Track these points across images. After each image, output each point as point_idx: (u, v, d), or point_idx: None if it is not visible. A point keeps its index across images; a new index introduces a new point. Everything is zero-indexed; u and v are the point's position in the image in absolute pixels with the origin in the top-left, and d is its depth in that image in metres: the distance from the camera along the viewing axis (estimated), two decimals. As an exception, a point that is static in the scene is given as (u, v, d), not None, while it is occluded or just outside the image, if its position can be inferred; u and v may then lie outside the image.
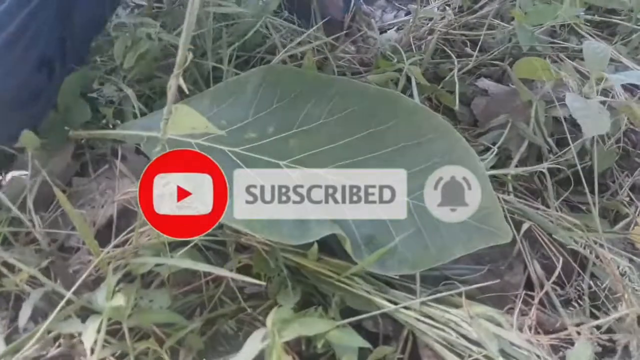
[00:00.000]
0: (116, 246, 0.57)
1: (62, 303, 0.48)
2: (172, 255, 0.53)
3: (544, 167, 0.58)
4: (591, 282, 0.54)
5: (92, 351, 0.46)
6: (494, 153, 0.62)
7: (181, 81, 0.38)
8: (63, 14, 0.62)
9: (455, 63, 0.78)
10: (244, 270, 0.55)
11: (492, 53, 0.83)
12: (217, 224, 0.53)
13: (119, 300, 0.44)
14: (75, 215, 0.49)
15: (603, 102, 0.62)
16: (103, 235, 0.61)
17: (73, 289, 0.49)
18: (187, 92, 0.40)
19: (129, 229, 0.56)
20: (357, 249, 0.53)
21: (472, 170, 0.55)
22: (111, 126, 0.66)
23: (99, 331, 0.46)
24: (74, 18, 0.64)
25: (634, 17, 0.86)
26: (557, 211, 0.59)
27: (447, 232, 0.54)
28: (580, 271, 0.56)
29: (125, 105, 0.68)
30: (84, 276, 0.49)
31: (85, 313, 0.50)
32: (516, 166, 0.67)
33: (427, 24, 0.89)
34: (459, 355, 0.48)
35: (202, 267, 0.48)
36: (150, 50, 0.69)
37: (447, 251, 0.54)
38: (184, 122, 0.41)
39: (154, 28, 0.69)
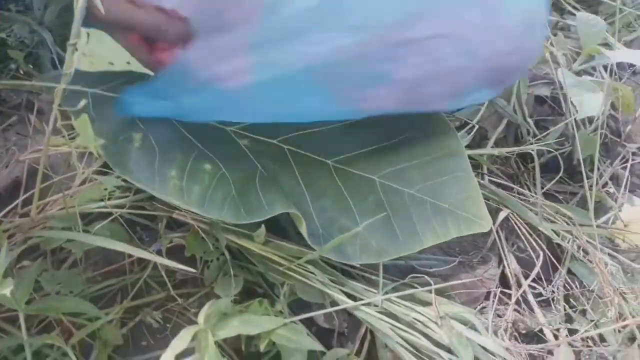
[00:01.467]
0: (23, 215, 0.47)
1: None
2: (88, 230, 0.43)
3: (532, 148, 0.51)
4: (576, 284, 0.49)
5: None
6: (472, 130, 0.55)
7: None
8: None
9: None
10: (176, 251, 0.47)
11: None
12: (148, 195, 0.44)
13: (6, 287, 0.34)
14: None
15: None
16: (8, 200, 0.51)
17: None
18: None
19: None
20: (314, 233, 0.45)
21: (451, 148, 0.49)
22: (22, 72, 0.55)
23: (-17, 323, 0.36)
24: None
25: (619, -4, 0.80)
26: (537, 200, 0.53)
27: (418, 217, 0.47)
28: (561, 268, 0.50)
29: (41, 50, 0.56)
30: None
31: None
32: (493, 147, 0.60)
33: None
34: (424, 360, 0.41)
35: (120, 246, 0.39)
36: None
37: (417, 239, 0.46)
38: (98, 52, 0.31)
39: None
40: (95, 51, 0.32)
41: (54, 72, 0.57)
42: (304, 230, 0.43)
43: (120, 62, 0.32)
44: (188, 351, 0.37)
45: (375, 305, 0.44)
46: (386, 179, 0.48)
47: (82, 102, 0.35)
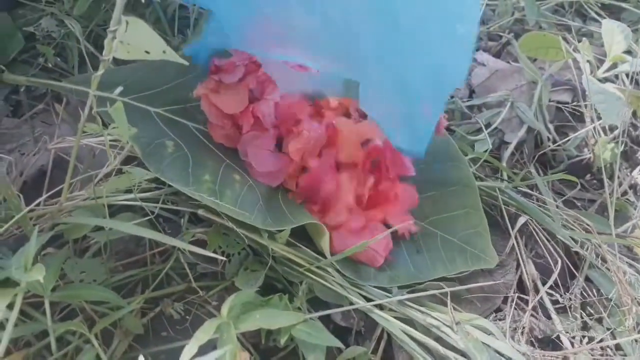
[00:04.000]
0: (48, 203, 0.48)
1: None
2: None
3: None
4: (594, 292, 0.49)
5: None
6: (492, 134, 0.55)
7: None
8: None
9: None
10: (197, 246, 0.47)
11: (492, 26, 0.75)
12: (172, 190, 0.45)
13: (39, 273, 0.35)
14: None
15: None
16: (32, 188, 0.51)
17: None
18: None
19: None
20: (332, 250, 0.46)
21: (463, 182, 0.50)
22: (51, 65, 0.55)
23: (11, 307, 0.37)
24: None
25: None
26: (557, 207, 0.53)
27: (428, 248, 0.49)
28: (579, 276, 0.50)
29: (69, 42, 0.57)
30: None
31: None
32: (512, 152, 0.60)
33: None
34: (440, 364, 0.42)
35: (149, 233, 0.39)
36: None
37: (428, 269, 0.48)
38: (135, 41, 0.31)
39: None
40: (132, 40, 0.32)
41: (83, 75, 0.56)
42: (325, 242, 0.44)
43: (156, 51, 0.33)
44: (208, 343, 0.37)
45: (392, 310, 0.44)
46: None
47: (119, 89, 0.35)
